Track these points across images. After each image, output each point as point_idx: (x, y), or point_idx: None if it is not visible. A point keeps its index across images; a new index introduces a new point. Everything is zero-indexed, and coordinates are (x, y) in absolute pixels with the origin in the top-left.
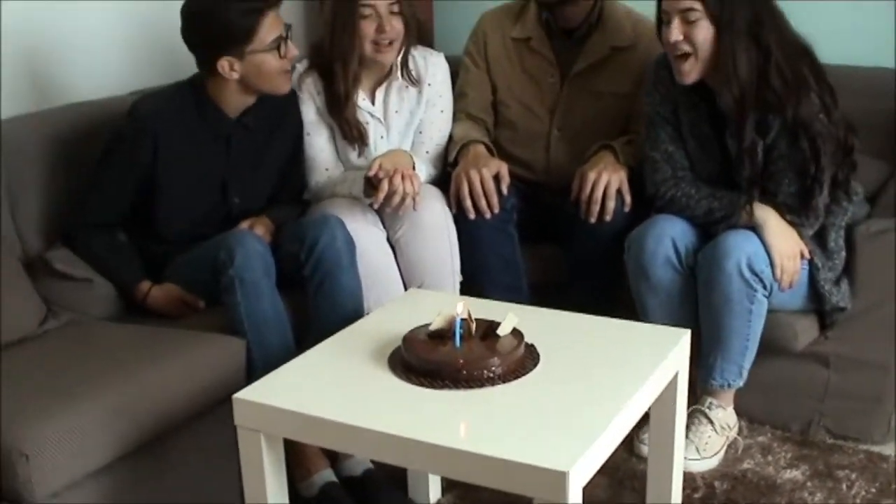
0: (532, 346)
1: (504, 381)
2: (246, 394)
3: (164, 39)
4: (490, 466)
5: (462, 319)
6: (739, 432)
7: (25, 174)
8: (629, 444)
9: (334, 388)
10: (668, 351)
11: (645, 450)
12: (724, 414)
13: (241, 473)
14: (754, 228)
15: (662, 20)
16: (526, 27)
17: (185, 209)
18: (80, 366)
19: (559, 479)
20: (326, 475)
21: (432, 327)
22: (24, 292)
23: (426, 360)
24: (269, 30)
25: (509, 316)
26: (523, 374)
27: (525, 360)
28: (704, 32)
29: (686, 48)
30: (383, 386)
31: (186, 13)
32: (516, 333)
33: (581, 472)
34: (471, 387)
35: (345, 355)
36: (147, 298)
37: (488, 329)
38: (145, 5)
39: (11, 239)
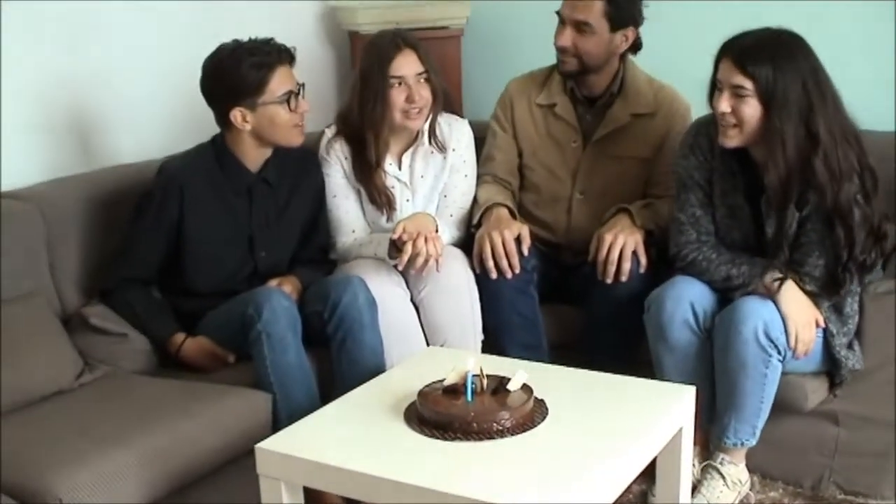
0: (541, 400)
1: (512, 434)
2: (267, 444)
3: (199, 106)
4: None
5: (474, 375)
6: (752, 488)
7: (65, 233)
8: (643, 498)
9: (351, 439)
10: (672, 406)
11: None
12: (735, 470)
13: None
14: (771, 296)
15: (715, 86)
16: (551, 94)
17: (213, 263)
18: (113, 417)
19: None
20: None
21: (446, 382)
22: (62, 346)
23: (439, 413)
24: (279, 83)
25: (519, 372)
26: (532, 427)
27: (534, 413)
28: (752, 110)
29: (732, 120)
30: (398, 437)
31: (206, 67)
32: (526, 389)
33: None
34: (480, 439)
35: (363, 408)
36: (180, 351)
37: (499, 384)
38: (181, 76)
39: (50, 294)
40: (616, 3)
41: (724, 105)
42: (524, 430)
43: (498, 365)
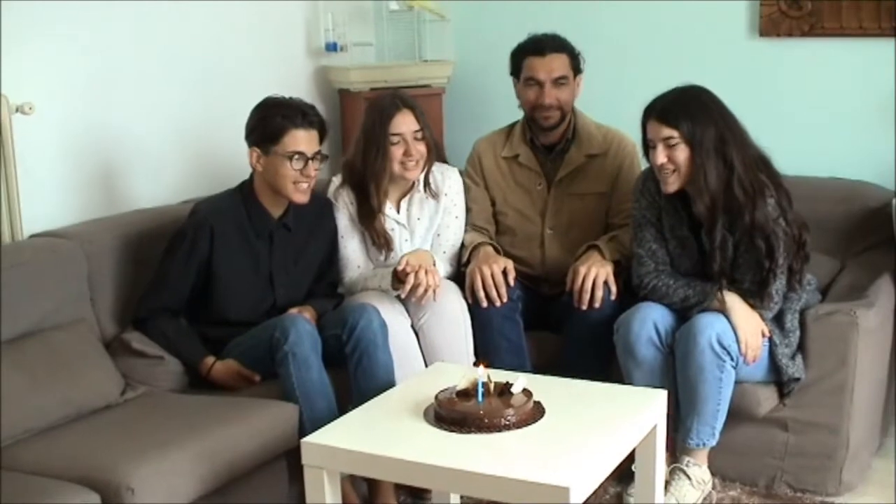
0: (539, 402)
1: (517, 428)
2: (311, 438)
3: (207, 157)
4: (509, 485)
5: (483, 381)
6: (713, 488)
7: (102, 268)
8: (619, 498)
9: (381, 433)
10: (648, 405)
11: (632, 501)
12: (699, 471)
13: None
14: (723, 311)
15: (649, 145)
16: (514, 146)
17: (237, 297)
18: (164, 425)
19: (563, 493)
20: None
21: (458, 387)
22: (106, 367)
23: (455, 412)
24: (293, 141)
25: (520, 379)
26: (533, 423)
27: (534, 412)
28: (683, 154)
29: (671, 167)
30: (421, 431)
31: (256, 107)
32: (526, 392)
33: (579, 488)
34: (490, 431)
35: (386, 411)
36: (211, 372)
37: (504, 388)
38: (192, 129)
39: (91, 322)
40: (573, 54)
41: (661, 157)
42: (527, 425)
43: (498, 375)
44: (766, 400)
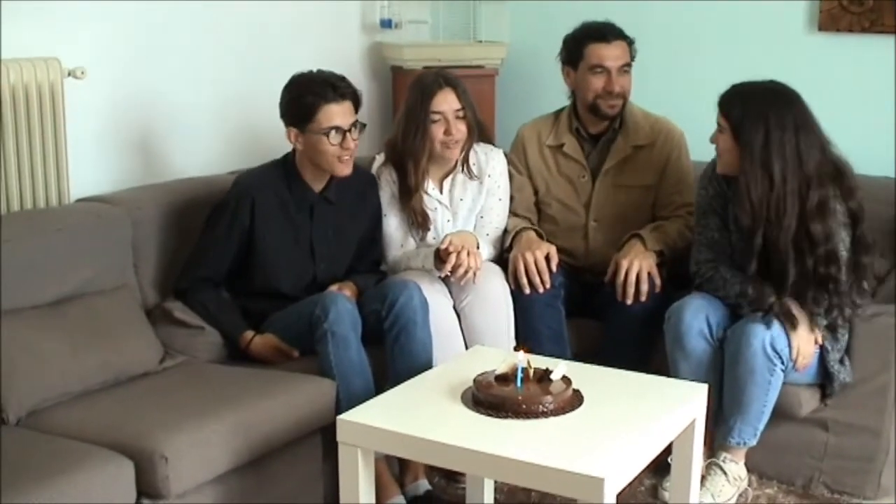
0: (578, 390)
1: (555, 415)
2: (347, 416)
3: (245, 129)
4: (543, 474)
5: (522, 367)
6: (749, 485)
7: (147, 235)
8: (654, 491)
9: (417, 414)
10: (688, 399)
11: (667, 495)
12: (736, 468)
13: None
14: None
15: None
16: (559, 135)
17: (277, 270)
18: (201, 394)
19: (598, 483)
20: (398, 500)
21: (497, 372)
22: (147, 335)
23: (493, 396)
24: (326, 117)
25: (560, 365)
26: (571, 411)
27: (573, 399)
28: (725, 142)
29: (718, 150)
30: (457, 414)
31: (284, 87)
32: (566, 380)
33: (614, 479)
34: (528, 417)
35: (423, 392)
36: (250, 346)
37: (543, 375)
38: (232, 102)
39: (133, 289)
40: (631, 43)
41: (714, 138)
42: (565, 413)
43: (538, 361)
44: (808, 401)
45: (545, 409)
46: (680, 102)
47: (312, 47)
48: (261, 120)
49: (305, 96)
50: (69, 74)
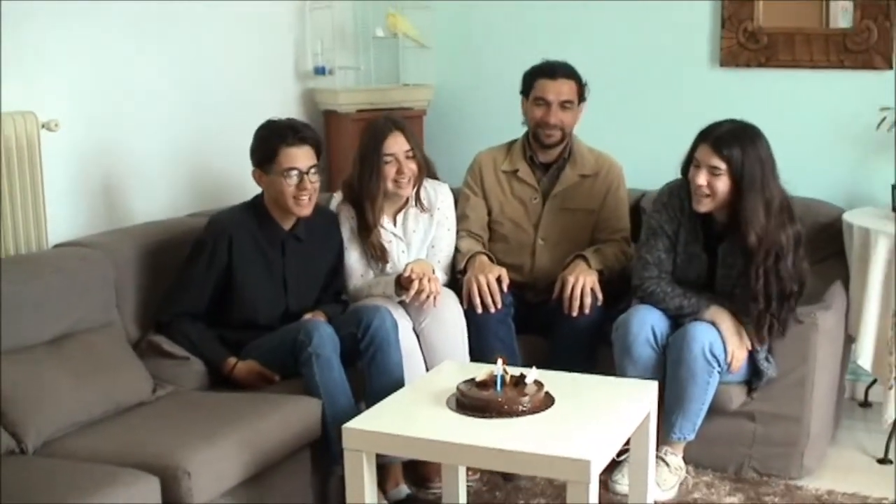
0: (549, 392)
1: (532, 413)
2: (351, 424)
3: (198, 175)
4: (536, 460)
5: (501, 374)
6: (688, 473)
7: (125, 275)
8: (605, 486)
9: (412, 419)
10: (643, 394)
11: (619, 487)
12: (676, 460)
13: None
14: (714, 323)
15: (692, 163)
16: (514, 161)
17: (254, 301)
18: (202, 418)
19: (585, 465)
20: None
21: (478, 379)
22: (137, 368)
23: (476, 399)
24: (286, 159)
25: (532, 372)
26: (546, 409)
27: (546, 400)
28: (724, 185)
29: (707, 192)
30: (448, 417)
31: (255, 131)
32: (538, 383)
33: (598, 461)
34: (510, 416)
35: (412, 401)
36: (234, 371)
37: (518, 380)
38: (187, 147)
39: (119, 325)
40: (580, 82)
41: (702, 179)
42: (541, 411)
43: (511, 370)
44: (737, 396)
45: (524, 409)
46: (596, 134)
47: (255, 96)
48: (212, 165)
49: (270, 139)
50: (44, 126)
